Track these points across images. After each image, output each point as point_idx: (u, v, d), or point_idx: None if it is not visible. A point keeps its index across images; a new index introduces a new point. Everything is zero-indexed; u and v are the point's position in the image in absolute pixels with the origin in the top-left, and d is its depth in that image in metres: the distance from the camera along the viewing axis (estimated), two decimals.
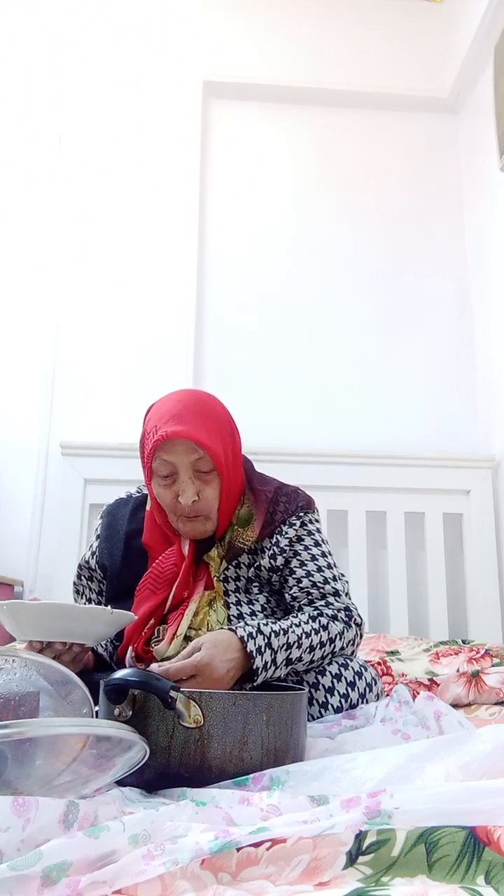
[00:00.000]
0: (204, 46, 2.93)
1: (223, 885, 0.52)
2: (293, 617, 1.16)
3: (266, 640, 1.08)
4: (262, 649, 1.06)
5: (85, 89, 2.86)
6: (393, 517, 2.50)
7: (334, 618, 1.19)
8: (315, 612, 1.19)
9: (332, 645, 1.17)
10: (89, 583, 1.39)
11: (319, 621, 1.17)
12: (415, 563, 2.51)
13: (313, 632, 1.15)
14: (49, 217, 2.75)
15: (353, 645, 1.21)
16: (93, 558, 1.38)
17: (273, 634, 1.09)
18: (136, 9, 2.92)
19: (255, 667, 1.05)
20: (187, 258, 2.76)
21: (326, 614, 1.18)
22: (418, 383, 2.75)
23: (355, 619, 1.21)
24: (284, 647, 1.10)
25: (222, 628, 1.13)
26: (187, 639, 1.18)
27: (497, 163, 2.52)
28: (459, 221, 2.91)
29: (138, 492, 1.44)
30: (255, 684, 1.07)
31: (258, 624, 1.10)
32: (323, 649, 1.15)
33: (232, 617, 1.22)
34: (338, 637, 1.18)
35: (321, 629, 1.16)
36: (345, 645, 1.19)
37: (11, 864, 0.51)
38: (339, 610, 1.20)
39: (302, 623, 1.15)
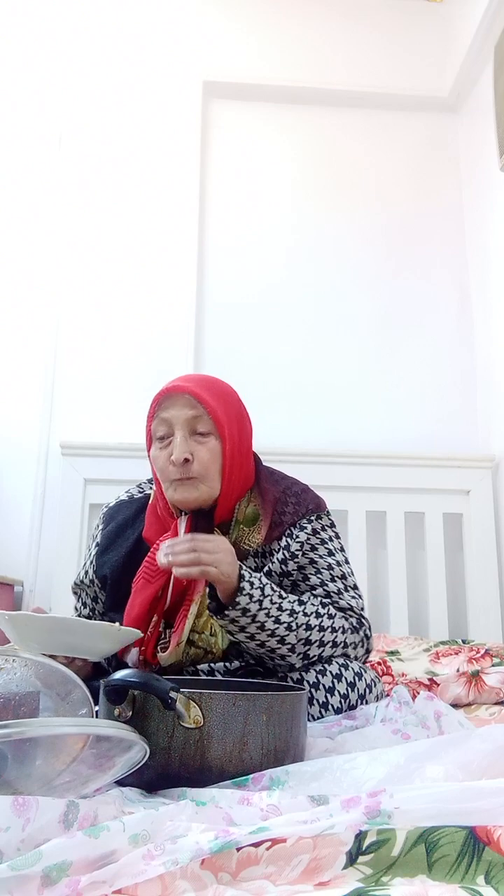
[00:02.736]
0: (204, 46, 2.93)
1: (223, 885, 0.52)
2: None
3: (261, 584, 1.10)
4: (253, 582, 1.09)
5: (85, 89, 2.85)
6: (393, 517, 2.50)
7: (344, 618, 1.18)
8: (326, 602, 1.18)
9: (335, 634, 1.15)
10: (89, 589, 1.34)
11: (328, 610, 1.16)
12: (415, 563, 2.51)
13: (314, 615, 1.14)
14: (49, 217, 2.74)
15: (356, 649, 1.19)
16: (91, 567, 1.33)
17: (269, 587, 1.11)
18: (135, 9, 2.92)
19: (242, 582, 1.07)
20: (187, 258, 2.76)
21: (336, 611, 1.18)
22: (418, 383, 2.75)
23: (365, 631, 1.20)
24: (277, 598, 1.11)
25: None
26: (190, 642, 1.16)
27: (497, 163, 2.52)
28: (459, 221, 2.91)
29: (140, 492, 1.40)
30: (238, 605, 1.07)
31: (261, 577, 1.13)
32: (322, 633, 1.13)
33: None
34: (341, 631, 1.16)
35: (325, 615, 1.15)
36: (347, 642, 1.17)
37: (11, 863, 0.51)
38: (350, 617, 1.19)
39: (307, 602, 1.15)
